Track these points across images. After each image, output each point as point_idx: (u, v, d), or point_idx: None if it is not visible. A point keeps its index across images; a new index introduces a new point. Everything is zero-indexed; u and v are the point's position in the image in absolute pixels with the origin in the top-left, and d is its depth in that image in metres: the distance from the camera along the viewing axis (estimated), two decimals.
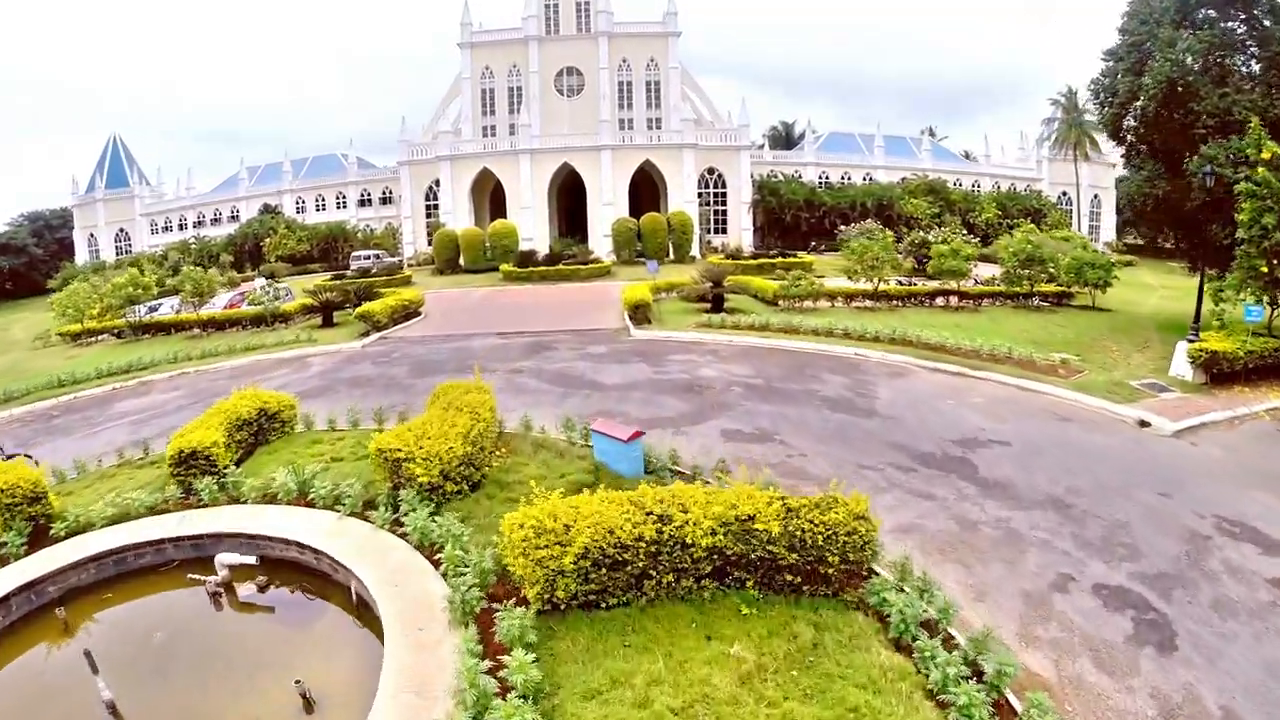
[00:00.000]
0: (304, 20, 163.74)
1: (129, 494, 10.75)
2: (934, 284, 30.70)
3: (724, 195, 52.36)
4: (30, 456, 13.02)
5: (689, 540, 6.55)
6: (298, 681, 6.33)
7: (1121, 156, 30.64)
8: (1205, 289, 20.91)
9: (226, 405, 12.28)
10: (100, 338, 31.97)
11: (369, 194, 62.53)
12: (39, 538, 9.60)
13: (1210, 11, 27.16)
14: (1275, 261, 18.82)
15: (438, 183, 51.34)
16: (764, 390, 15.64)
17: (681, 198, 47.84)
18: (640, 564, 6.56)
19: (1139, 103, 26.77)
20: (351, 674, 6.75)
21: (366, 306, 25.15)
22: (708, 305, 25.93)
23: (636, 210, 48.31)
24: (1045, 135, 65.31)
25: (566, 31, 54.46)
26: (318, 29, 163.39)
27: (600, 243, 46.85)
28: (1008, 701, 6.09)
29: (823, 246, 50.75)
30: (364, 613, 7.87)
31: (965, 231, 46.18)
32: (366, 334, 24.52)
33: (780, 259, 40.32)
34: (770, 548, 6.89)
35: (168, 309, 33.98)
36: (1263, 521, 10.16)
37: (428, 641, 6.32)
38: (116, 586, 9.47)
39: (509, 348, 21.07)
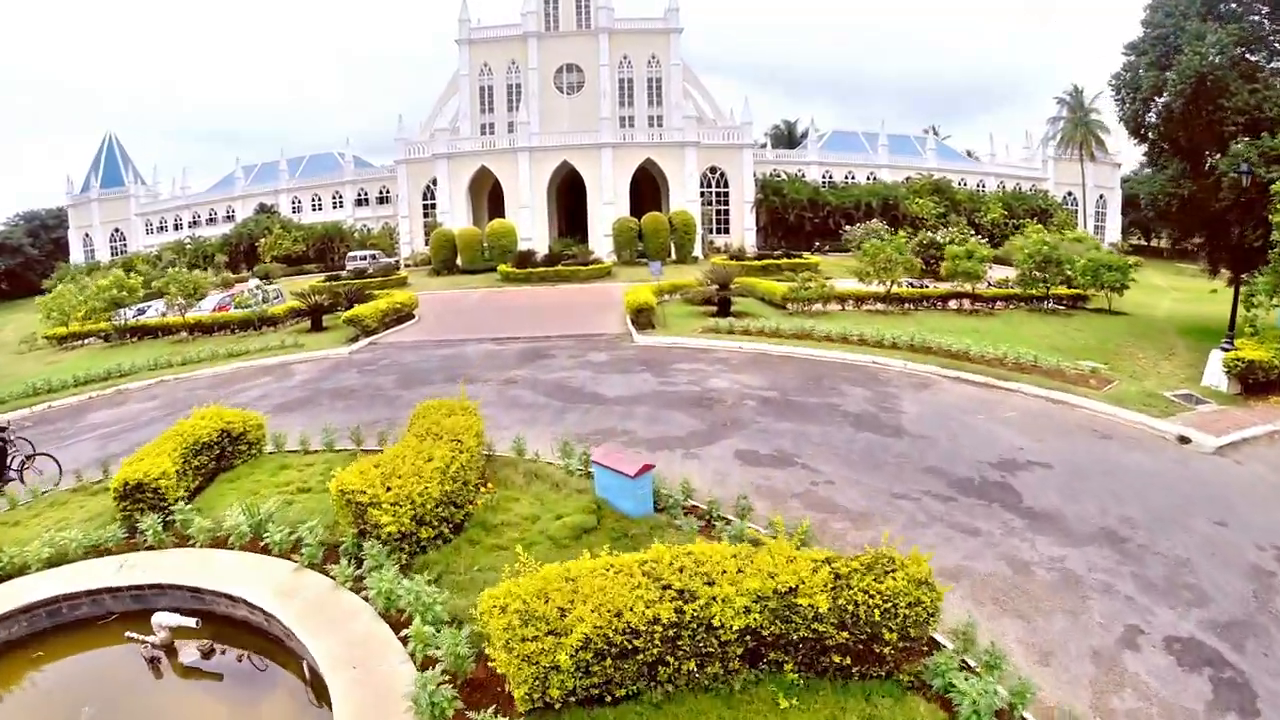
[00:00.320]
0: (304, 20, 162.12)
1: (71, 530, 9.34)
2: (946, 286, 29.33)
3: (726, 194, 50.89)
4: (53, 457, 12.48)
5: (717, 622, 5.11)
6: None
7: (1143, 155, 29.18)
8: (1224, 291, 19.56)
9: (184, 427, 10.83)
10: (87, 341, 30.61)
11: (366, 193, 61.02)
12: None
13: (1234, 5, 25.77)
14: None
15: (435, 182, 49.85)
16: (780, 404, 14.20)
17: (684, 197, 46.36)
18: (655, 650, 5.13)
19: (1164, 98, 25.35)
20: None
21: (355, 310, 23.70)
22: (714, 309, 24.49)
23: (637, 210, 46.81)
24: (1050, 135, 63.92)
25: (566, 28, 52.95)
26: (318, 29, 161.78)
27: (601, 243, 45.37)
28: None
29: (827, 247, 49.35)
30: (321, 689, 6.47)
31: (973, 232, 44.87)
32: (355, 339, 23.07)
33: (785, 259, 38.89)
34: (816, 625, 5.46)
35: (154, 312, 32.55)
36: None
37: None
38: (50, 642, 8.05)
39: (504, 355, 19.62)
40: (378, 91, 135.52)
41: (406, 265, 48.99)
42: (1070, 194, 62.45)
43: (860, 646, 5.76)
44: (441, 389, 16.13)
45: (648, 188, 50.18)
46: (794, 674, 5.68)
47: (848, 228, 48.99)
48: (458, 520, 7.85)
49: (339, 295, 28.54)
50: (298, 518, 8.58)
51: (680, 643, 5.16)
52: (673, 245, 43.71)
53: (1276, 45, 25.71)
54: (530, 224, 46.37)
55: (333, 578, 7.07)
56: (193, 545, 8.67)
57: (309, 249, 54.00)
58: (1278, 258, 18.20)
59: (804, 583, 5.46)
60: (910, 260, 27.06)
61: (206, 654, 7.32)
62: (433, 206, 51.02)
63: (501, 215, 46.82)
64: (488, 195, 51.42)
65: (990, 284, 30.48)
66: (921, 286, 28.94)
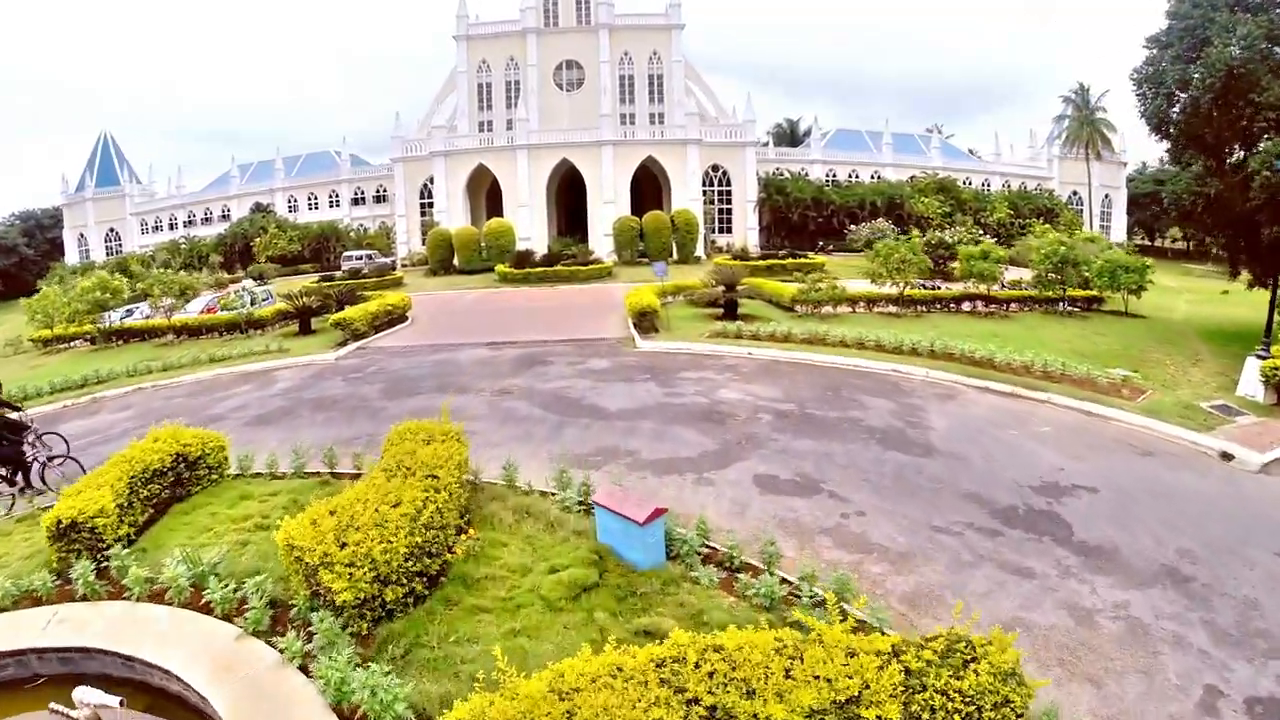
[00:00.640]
0: (304, 20, 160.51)
1: (7, 569, 8.11)
2: (958, 287, 28.05)
3: (729, 193, 49.53)
4: (78, 460, 12.00)
5: None
6: None
7: (1166, 152, 27.82)
8: (1235, 292, 18.30)
9: (134, 451, 9.50)
10: (73, 344, 29.38)
11: (363, 192, 59.64)
12: None
13: None
14: None
15: (432, 180, 48.45)
16: (798, 419, 12.88)
17: (686, 195, 44.96)
18: None
19: (1190, 93, 24.00)
20: None
21: (344, 313, 22.35)
22: (719, 311, 23.15)
23: (638, 209, 45.41)
24: (1056, 133, 62.61)
25: (566, 24, 51.54)
26: (318, 29, 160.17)
27: (601, 242, 43.99)
28: None
29: (831, 246, 48.03)
30: None
31: (982, 232, 43.57)
32: (344, 343, 21.73)
33: (790, 259, 37.52)
34: None
35: (139, 315, 31.27)
36: None
37: None
38: None
39: (498, 361, 18.27)
40: (378, 91, 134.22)
41: (403, 265, 47.66)
42: (1075, 193, 61.16)
43: None
44: (430, 400, 14.81)
45: (649, 186, 48.81)
46: None
47: (852, 227, 47.71)
48: (433, 572, 6.51)
49: (329, 297, 27.19)
50: (250, 566, 7.26)
51: None
52: (674, 245, 42.34)
53: None
54: (529, 223, 45.00)
55: (281, 651, 5.74)
56: (129, 598, 7.38)
57: (304, 249, 52.64)
58: None
59: (869, 686, 4.14)
60: (924, 261, 25.75)
61: None
62: (430, 205, 49.64)
63: (500, 214, 45.45)
64: (486, 194, 50.03)
65: (1003, 285, 29.21)
66: (933, 288, 27.62)
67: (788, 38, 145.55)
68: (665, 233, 41.79)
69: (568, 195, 49.76)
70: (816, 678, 4.01)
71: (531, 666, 4.85)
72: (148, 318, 29.57)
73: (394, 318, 25.10)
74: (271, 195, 60.47)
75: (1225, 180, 24.52)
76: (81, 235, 68.82)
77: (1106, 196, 63.15)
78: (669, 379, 15.53)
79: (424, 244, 46.17)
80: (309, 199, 60.61)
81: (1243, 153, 23.79)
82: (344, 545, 5.64)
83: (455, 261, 42.25)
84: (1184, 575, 8.59)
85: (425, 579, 6.42)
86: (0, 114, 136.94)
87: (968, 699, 4.39)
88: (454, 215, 45.99)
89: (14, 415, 13.64)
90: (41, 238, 79.21)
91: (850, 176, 56.26)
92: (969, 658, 4.65)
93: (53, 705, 6.55)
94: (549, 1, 51.64)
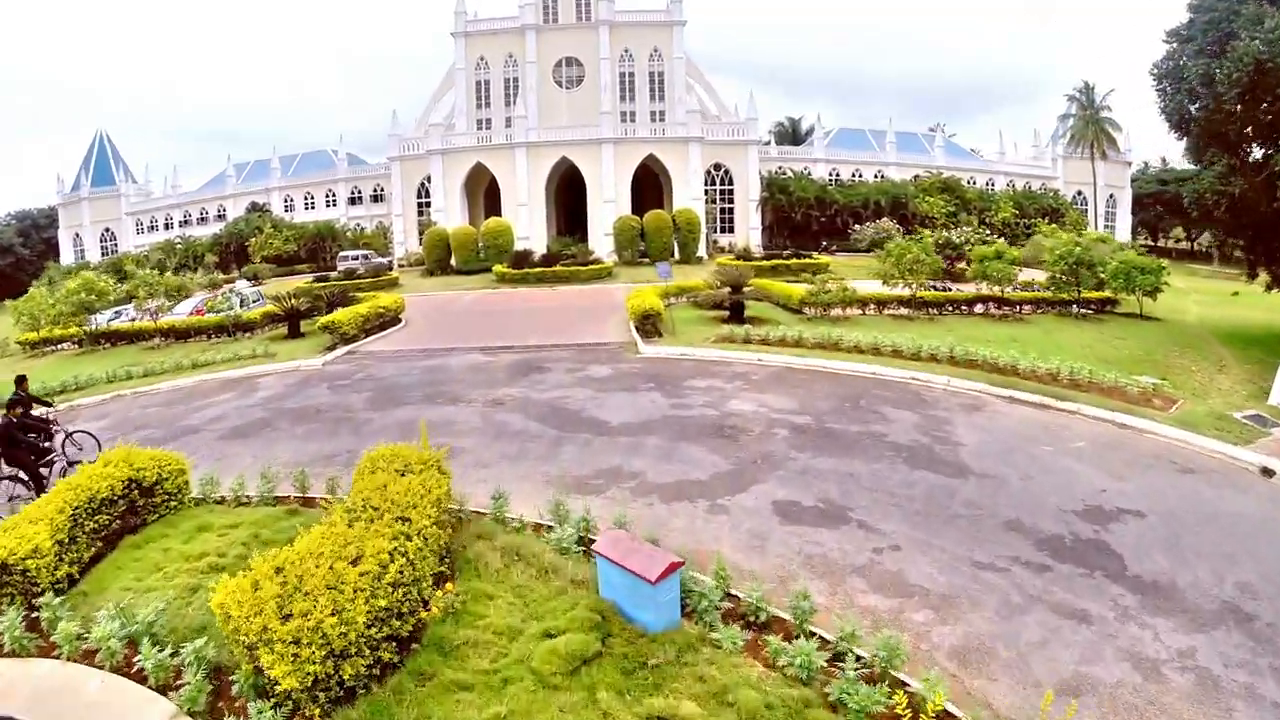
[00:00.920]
0: (304, 20, 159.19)
1: None
2: (970, 289, 26.98)
3: (731, 192, 48.40)
4: (94, 436, 12.53)
5: None
6: None
7: (1186, 150, 26.71)
8: (1245, 294, 17.26)
9: (81, 479, 8.41)
10: (60, 346, 28.29)
11: (360, 191, 58.48)
12: None
13: None
14: None
15: (430, 179, 47.28)
16: (816, 434, 11.78)
17: (687, 194, 43.78)
18: None
19: (1214, 88, 22.88)
20: None
21: (332, 316, 21.21)
22: (725, 314, 22.05)
23: (639, 208, 44.25)
24: (1060, 133, 61.52)
25: (565, 20, 50.36)
26: (318, 29, 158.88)
27: (601, 242, 42.84)
28: None
29: (835, 246, 46.91)
30: None
31: (989, 231, 42.50)
32: (333, 347, 20.61)
33: (795, 260, 36.41)
34: None
35: (125, 318, 30.17)
36: None
37: None
38: None
39: (493, 368, 17.16)
40: (378, 91, 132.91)
41: (400, 265, 46.54)
42: (1080, 193, 60.08)
43: None
44: (418, 411, 13.71)
45: (649, 185, 47.67)
46: None
47: (856, 227, 46.63)
48: (404, 635, 5.41)
49: (320, 298, 26.06)
50: (195, 620, 6.17)
51: None
52: (676, 245, 41.20)
53: None
54: (528, 222, 43.86)
55: None
56: (59, 656, 6.29)
57: (300, 249, 51.46)
58: None
59: None
60: (937, 261, 24.66)
61: None
62: (428, 205, 48.48)
63: (498, 214, 44.30)
64: (484, 193, 48.86)
65: (1015, 287, 28.14)
66: (944, 289, 26.53)
67: (787, 38, 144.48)
68: (667, 232, 40.65)
69: (567, 194, 48.62)
70: None
71: None
72: (132, 320, 28.46)
73: (386, 320, 23.99)
74: (268, 195, 59.31)
75: (1249, 179, 23.43)
76: (77, 235, 67.65)
77: (1111, 196, 62.07)
78: (675, 388, 14.42)
79: (421, 244, 45.06)
80: (305, 198, 59.44)
81: (1270, 151, 22.69)
82: (288, 617, 4.54)
83: (452, 262, 41.14)
84: (1246, 613, 7.67)
85: (395, 642, 5.32)
86: (0, 114, 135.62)
87: None
88: (451, 215, 44.82)
89: (41, 410, 12.78)
90: (37, 238, 78.03)
91: (853, 176, 55.16)
92: None
93: None
94: None
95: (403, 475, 6.76)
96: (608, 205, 43.46)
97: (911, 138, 60.81)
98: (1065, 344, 21.71)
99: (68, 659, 6.24)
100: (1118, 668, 6.83)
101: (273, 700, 4.60)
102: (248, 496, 9.45)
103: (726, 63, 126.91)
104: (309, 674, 4.43)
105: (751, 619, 6.19)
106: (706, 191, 46.49)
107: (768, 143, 58.10)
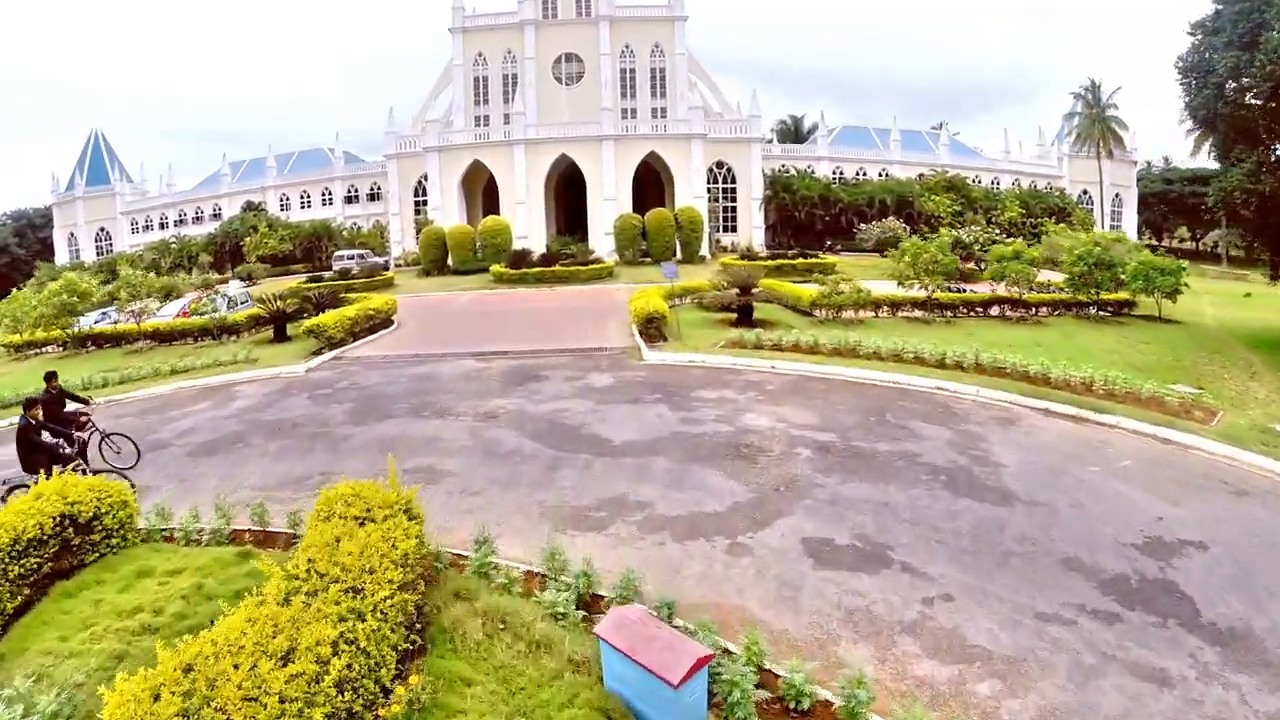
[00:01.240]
0: (304, 20, 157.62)
1: None
2: (984, 290, 25.74)
3: (733, 191, 47.08)
4: (132, 440, 11.75)
5: None
6: None
7: (1212, 147, 25.44)
8: (1258, 295, 15.94)
9: (5, 515, 7.13)
10: (45, 349, 27.00)
11: (356, 190, 57.12)
12: None
13: None
14: None
15: (426, 177, 45.92)
16: (843, 454, 10.48)
17: (690, 193, 42.39)
18: None
19: (1244, 81, 21.64)
20: None
21: (318, 319, 19.88)
22: (733, 316, 20.76)
23: (640, 207, 42.90)
24: (1065, 131, 60.25)
25: (565, 15, 48.99)
26: (318, 29, 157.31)
27: (601, 241, 41.50)
28: None
29: (839, 246, 45.59)
30: None
31: (999, 231, 41.27)
32: (319, 352, 19.31)
33: (801, 259, 35.10)
34: None
35: (107, 321, 28.87)
36: None
37: None
38: None
39: (486, 376, 15.84)
40: (378, 91, 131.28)
41: (397, 265, 45.22)
42: (1085, 192, 58.82)
43: None
44: (403, 425, 12.42)
45: (651, 184, 46.35)
46: None
47: (862, 226, 45.36)
48: None
49: (308, 300, 24.76)
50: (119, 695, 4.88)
51: None
52: (678, 244, 39.86)
53: None
54: (526, 221, 42.51)
55: None
56: None
57: (295, 248, 50.10)
58: None
59: None
60: (954, 261, 23.38)
61: None
62: (424, 203, 47.13)
63: (496, 213, 42.97)
64: (482, 192, 47.48)
65: (1033, 288, 26.90)
66: (959, 290, 25.25)
67: (787, 37, 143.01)
68: (669, 231, 39.32)
69: (567, 193, 47.29)
70: None
71: None
72: (115, 323, 27.17)
73: (376, 323, 22.67)
74: (263, 193, 57.97)
75: (1277, 177, 22.20)
76: (72, 235, 66.35)
77: (1117, 195, 60.83)
78: (683, 400, 13.11)
79: (418, 244, 43.73)
80: (301, 197, 58.09)
81: None
82: None
83: (449, 261, 39.85)
84: None
85: None
86: (0, 114, 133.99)
87: None
88: (448, 213, 43.46)
89: (75, 407, 11.79)
90: (33, 237, 76.76)
91: (857, 174, 53.87)
92: None
93: None
94: None
95: (362, 524, 5.47)
96: (608, 203, 42.12)
97: (916, 136, 59.52)
98: (1089, 349, 20.46)
99: None
100: None
101: None
102: (199, 532, 8.17)
103: (726, 62, 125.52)
104: None
105: (793, 706, 4.91)
106: (709, 190, 45.16)
107: (770, 141, 56.77)
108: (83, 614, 6.74)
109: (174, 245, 54.36)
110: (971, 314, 24.07)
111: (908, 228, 44.68)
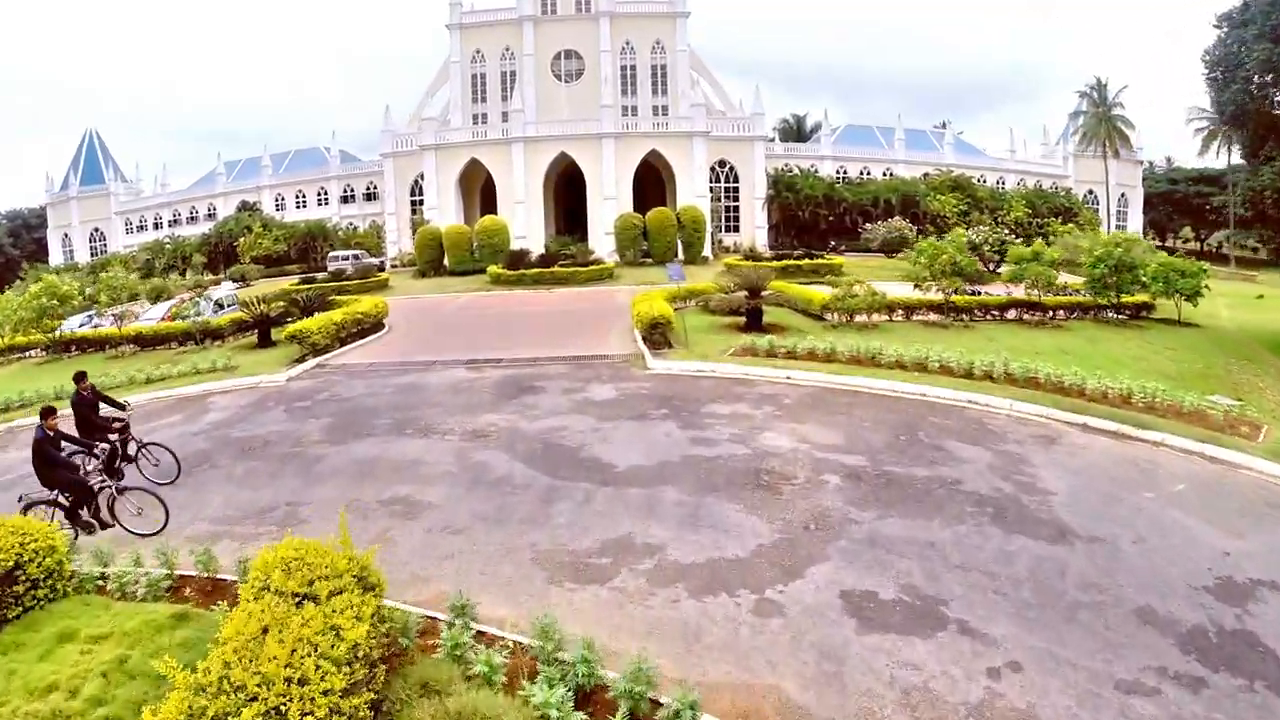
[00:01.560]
0: (304, 20, 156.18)
1: None
2: (999, 292, 24.54)
3: (736, 190, 45.83)
4: (171, 452, 10.60)
5: None
6: None
7: (1240, 144, 24.21)
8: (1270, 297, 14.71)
9: None
10: (28, 354, 25.72)
11: (352, 189, 55.83)
12: None
13: None
14: None
15: (423, 176, 44.63)
16: (875, 482, 9.24)
17: (692, 192, 41.09)
18: None
19: (1275, 76, 20.43)
20: None
21: (301, 324, 18.61)
22: (741, 320, 19.52)
23: (641, 206, 41.60)
24: (1071, 130, 59.05)
25: (564, 11, 47.70)
26: (318, 29, 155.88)
27: (601, 241, 40.21)
28: None
29: (844, 246, 44.34)
30: None
31: (1006, 231, 40.04)
32: (302, 359, 18.05)
33: (807, 260, 33.86)
34: None
35: (90, 325, 27.61)
36: None
37: None
38: None
39: (478, 387, 14.57)
40: (378, 91, 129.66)
41: (393, 266, 43.97)
42: (1091, 191, 57.62)
43: None
44: (383, 445, 11.17)
45: (651, 183, 45.07)
46: None
47: (867, 226, 44.12)
48: None
49: (296, 303, 23.49)
50: None
51: None
52: (680, 244, 38.58)
53: None
54: (524, 221, 41.24)
55: None
56: None
57: (290, 249, 48.81)
58: None
59: None
60: (974, 263, 22.15)
61: None
62: (421, 203, 45.84)
63: (494, 212, 41.69)
64: (480, 191, 46.19)
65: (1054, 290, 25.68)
66: (974, 293, 24.02)
67: (788, 34, 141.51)
68: (671, 231, 38.04)
69: (566, 192, 46.01)
70: None
71: None
72: (95, 327, 25.92)
73: (366, 327, 21.41)
74: (259, 193, 56.66)
75: None
76: (65, 236, 65.08)
77: (1123, 195, 59.62)
78: (694, 416, 11.85)
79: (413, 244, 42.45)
80: (297, 197, 56.79)
81: None
82: None
83: (445, 262, 38.59)
84: None
85: None
86: (0, 114, 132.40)
87: None
88: (445, 213, 42.16)
89: (111, 412, 10.67)
90: (28, 238, 75.42)
91: (861, 173, 52.62)
92: None
93: None
94: None
95: (302, 603, 4.25)
96: (608, 203, 40.85)
97: (920, 135, 58.28)
98: (1117, 356, 19.24)
99: None
100: None
101: None
102: (136, 582, 6.94)
103: (727, 60, 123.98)
104: None
105: None
106: (711, 189, 43.88)
107: (772, 140, 55.50)
108: None
109: (168, 246, 53.11)
110: (987, 317, 22.87)
111: (914, 228, 43.49)
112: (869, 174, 52.47)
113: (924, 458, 10.11)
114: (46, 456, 8.43)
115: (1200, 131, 55.79)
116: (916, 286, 21.44)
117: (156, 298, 35.85)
